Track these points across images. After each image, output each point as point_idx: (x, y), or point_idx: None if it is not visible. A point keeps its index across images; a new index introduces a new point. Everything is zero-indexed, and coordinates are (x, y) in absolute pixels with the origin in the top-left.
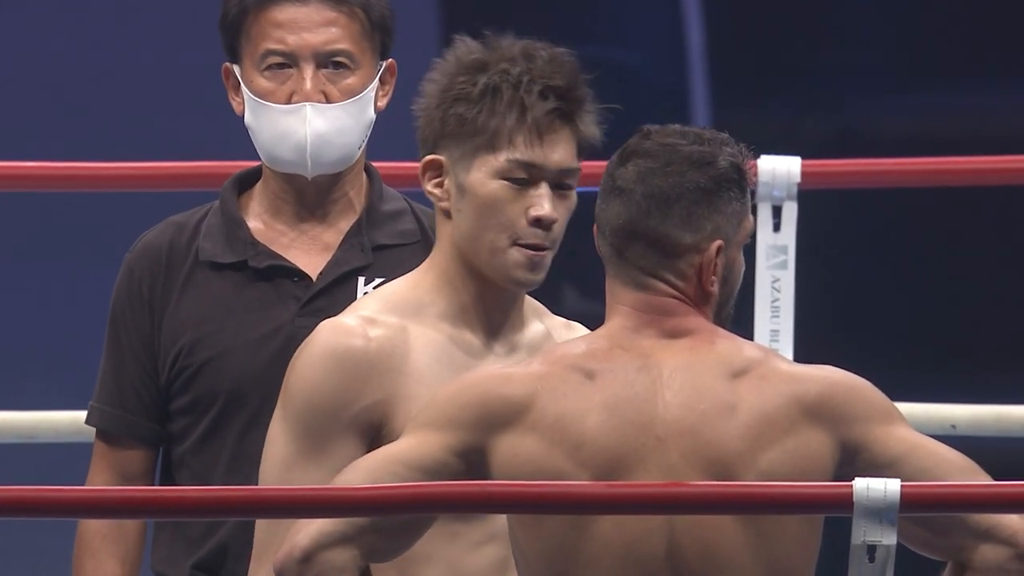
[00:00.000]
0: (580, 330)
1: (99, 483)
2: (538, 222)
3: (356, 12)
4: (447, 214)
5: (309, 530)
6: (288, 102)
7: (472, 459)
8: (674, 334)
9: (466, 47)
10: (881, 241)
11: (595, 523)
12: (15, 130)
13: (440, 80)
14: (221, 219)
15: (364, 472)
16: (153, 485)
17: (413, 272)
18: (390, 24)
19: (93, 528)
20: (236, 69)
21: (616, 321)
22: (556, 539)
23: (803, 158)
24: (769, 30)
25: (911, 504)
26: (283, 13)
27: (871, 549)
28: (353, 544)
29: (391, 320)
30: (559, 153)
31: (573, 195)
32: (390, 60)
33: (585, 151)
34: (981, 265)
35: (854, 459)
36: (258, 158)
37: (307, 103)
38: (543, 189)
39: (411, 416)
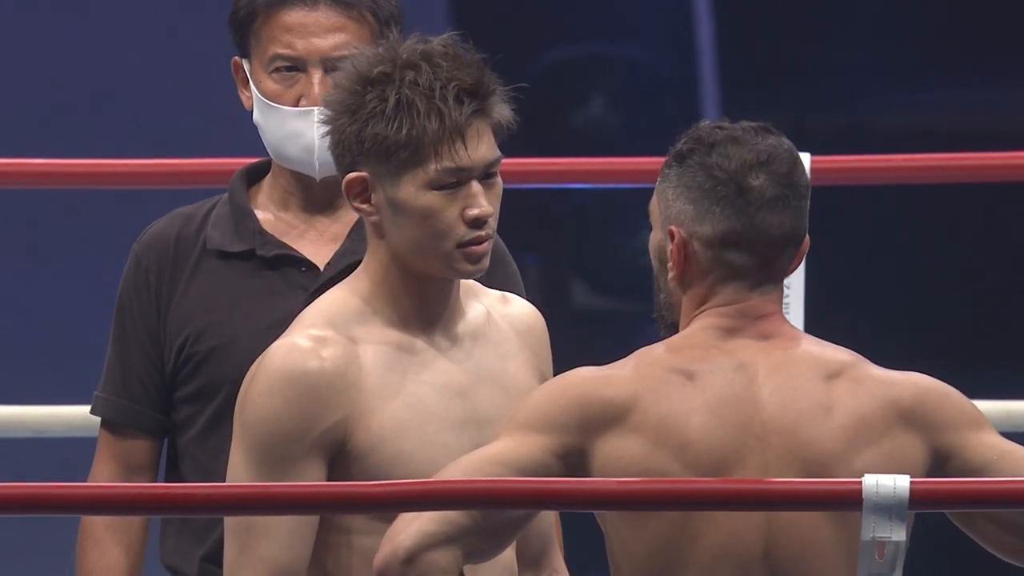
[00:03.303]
0: (516, 302)
1: (103, 473)
2: (476, 220)
3: (365, 16)
4: (378, 227)
5: (411, 531)
6: (296, 105)
7: (571, 461)
8: (764, 336)
9: (364, 58)
10: (890, 237)
11: (696, 522)
12: (27, 127)
13: (346, 97)
14: (230, 209)
15: (464, 474)
16: (158, 476)
17: (348, 281)
18: (400, 22)
19: (97, 518)
20: (245, 65)
21: (708, 320)
22: (659, 539)
23: (812, 154)
24: (778, 26)
25: (920, 500)
26: (292, 17)
27: (881, 545)
28: (456, 545)
29: (339, 335)
30: (482, 150)
31: (499, 180)
32: None
33: (501, 134)
34: (990, 261)
35: (944, 465)
36: (265, 154)
37: (316, 108)
38: (474, 187)
39: (378, 429)
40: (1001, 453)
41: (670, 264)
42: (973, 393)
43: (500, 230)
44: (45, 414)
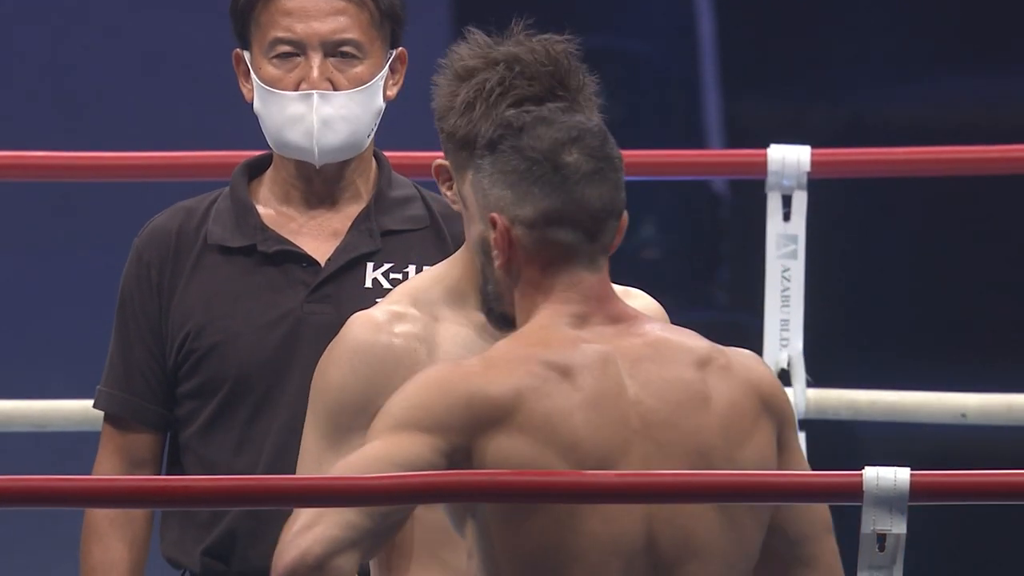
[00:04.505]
0: (635, 298)
1: (106, 467)
2: None
3: (365, 2)
4: (452, 202)
5: (318, 536)
6: (296, 90)
7: (456, 459)
8: (614, 319)
9: (465, 49)
10: (891, 230)
11: (583, 518)
12: (26, 120)
13: (440, 84)
14: (231, 204)
15: (357, 472)
16: (161, 470)
17: (446, 262)
18: (400, 13)
19: (100, 512)
20: (246, 56)
21: (557, 308)
22: (545, 536)
23: (813, 147)
24: (779, 20)
25: (921, 493)
26: (292, 2)
27: (881, 538)
28: (358, 548)
29: (420, 313)
30: None
31: None
32: (401, 49)
33: None
34: (991, 253)
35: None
36: (267, 147)
37: (315, 91)
38: None
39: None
40: (801, 458)
41: (495, 253)
42: (974, 386)
43: None
44: (46, 408)
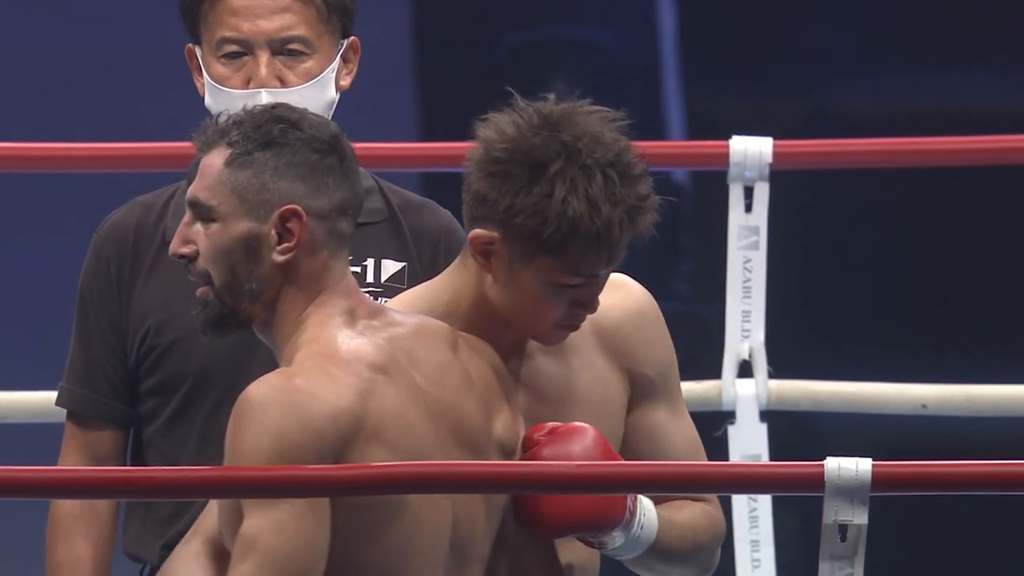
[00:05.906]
0: (614, 293)
1: (70, 464)
2: (581, 314)
3: None
4: (487, 268)
5: None
6: (245, 88)
7: None
8: (373, 313)
9: (535, 137)
10: (852, 222)
11: (425, 511)
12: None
13: (506, 164)
14: None
15: (266, 529)
16: (124, 466)
17: (429, 284)
18: (349, 6)
19: (65, 509)
20: (198, 51)
21: (332, 306)
22: (397, 539)
23: (775, 139)
24: (741, 10)
25: (882, 483)
26: (238, 0)
27: (843, 528)
28: None
29: None
30: (617, 259)
31: None
32: (352, 38)
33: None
34: (952, 245)
35: None
36: None
37: (263, 88)
38: (594, 286)
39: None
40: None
41: (284, 246)
42: (934, 377)
43: None
44: (5, 400)
